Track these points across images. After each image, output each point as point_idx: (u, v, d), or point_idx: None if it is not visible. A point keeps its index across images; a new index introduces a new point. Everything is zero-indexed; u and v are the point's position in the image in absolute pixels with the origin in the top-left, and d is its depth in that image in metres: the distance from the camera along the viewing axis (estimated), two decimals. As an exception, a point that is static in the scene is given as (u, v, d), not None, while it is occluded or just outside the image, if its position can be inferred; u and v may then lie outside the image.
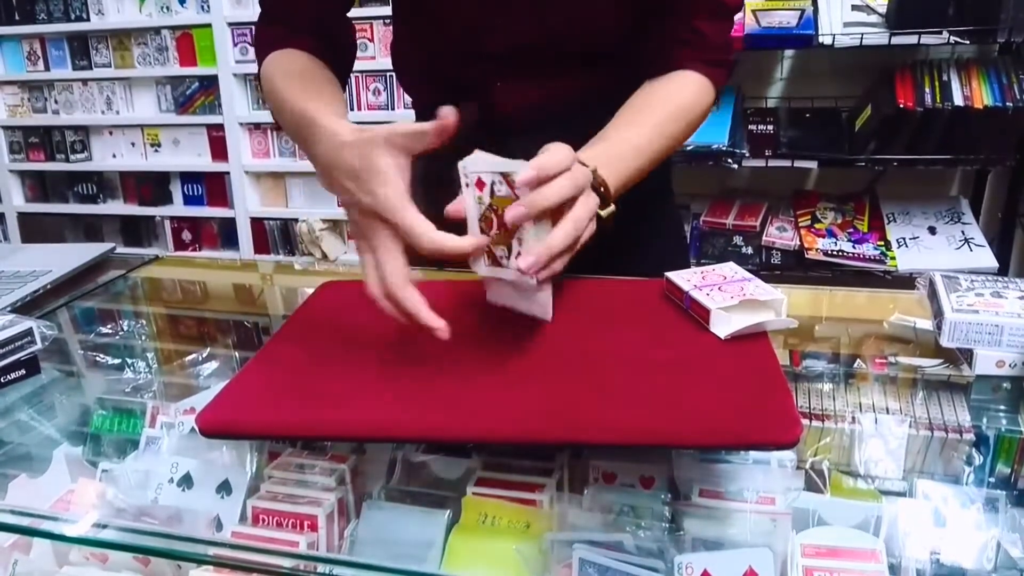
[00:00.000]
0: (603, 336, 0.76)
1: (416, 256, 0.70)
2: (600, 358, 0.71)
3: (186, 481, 0.68)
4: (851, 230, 2.46)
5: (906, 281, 2.14)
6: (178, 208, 3.54)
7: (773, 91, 2.66)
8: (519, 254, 0.68)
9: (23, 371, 0.82)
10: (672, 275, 0.82)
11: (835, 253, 2.38)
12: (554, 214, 0.68)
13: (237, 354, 0.97)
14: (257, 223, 3.39)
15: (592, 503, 0.62)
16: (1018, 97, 2.15)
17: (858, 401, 0.78)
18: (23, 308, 0.97)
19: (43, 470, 0.71)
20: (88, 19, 3.33)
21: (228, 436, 0.67)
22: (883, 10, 2.25)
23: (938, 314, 0.80)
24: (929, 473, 0.69)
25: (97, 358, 0.98)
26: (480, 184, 0.69)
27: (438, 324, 0.67)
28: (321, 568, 0.57)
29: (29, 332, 0.82)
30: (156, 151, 3.50)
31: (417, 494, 0.66)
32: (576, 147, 0.76)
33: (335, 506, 0.64)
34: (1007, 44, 2.29)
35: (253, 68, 0.97)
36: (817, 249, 2.39)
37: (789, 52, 2.58)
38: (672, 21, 0.94)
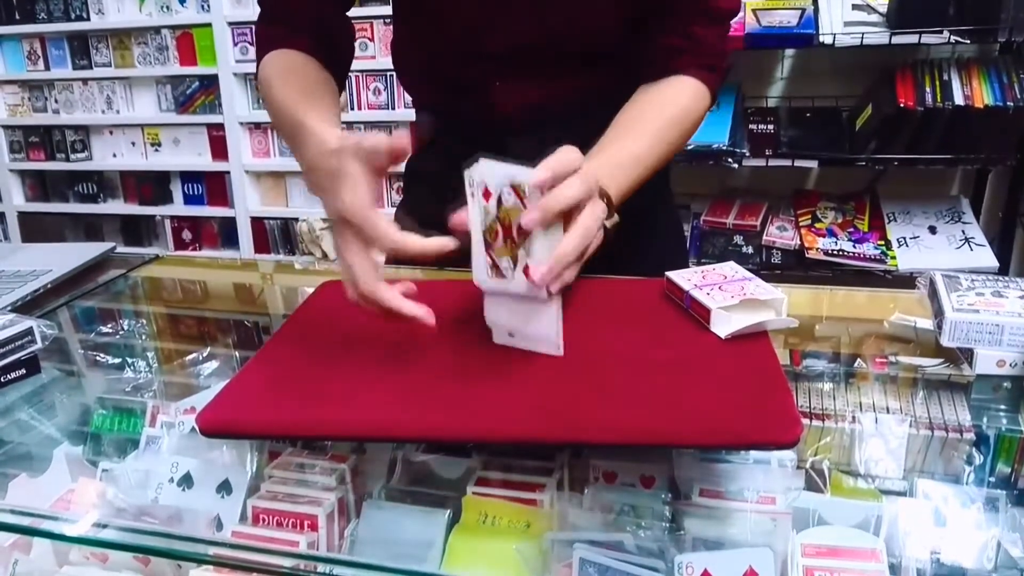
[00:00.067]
0: (603, 336, 0.76)
1: (415, 257, 0.70)
2: (600, 358, 0.71)
3: (186, 481, 0.68)
4: (851, 230, 2.46)
5: (906, 281, 2.14)
6: (178, 207, 3.54)
7: (773, 90, 2.66)
8: (526, 267, 0.66)
9: (23, 370, 0.82)
10: (672, 274, 0.82)
11: (835, 253, 2.38)
12: (564, 222, 0.67)
13: (237, 354, 0.97)
14: (257, 222, 3.39)
15: (592, 503, 0.62)
16: (1018, 96, 2.15)
17: (858, 401, 0.78)
18: (23, 307, 0.97)
19: (43, 470, 0.71)
20: (88, 18, 3.33)
21: (228, 436, 0.67)
22: (884, 9, 2.25)
23: (938, 313, 0.80)
24: (929, 473, 0.69)
25: (97, 357, 0.98)
26: (487, 194, 0.66)
27: (420, 312, 0.68)
28: (321, 568, 0.57)
29: (29, 331, 0.82)
30: (156, 150, 3.50)
31: (417, 494, 0.66)
32: (576, 147, 0.76)
33: (335, 506, 0.64)
34: (1008, 43, 2.29)
35: (253, 67, 0.97)
36: (817, 248, 2.39)
37: (790, 51, 2.58)
38: (670, 23, 0.94)
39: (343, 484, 0.66)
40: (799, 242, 2.43)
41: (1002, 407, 0.77)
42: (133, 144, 3.52)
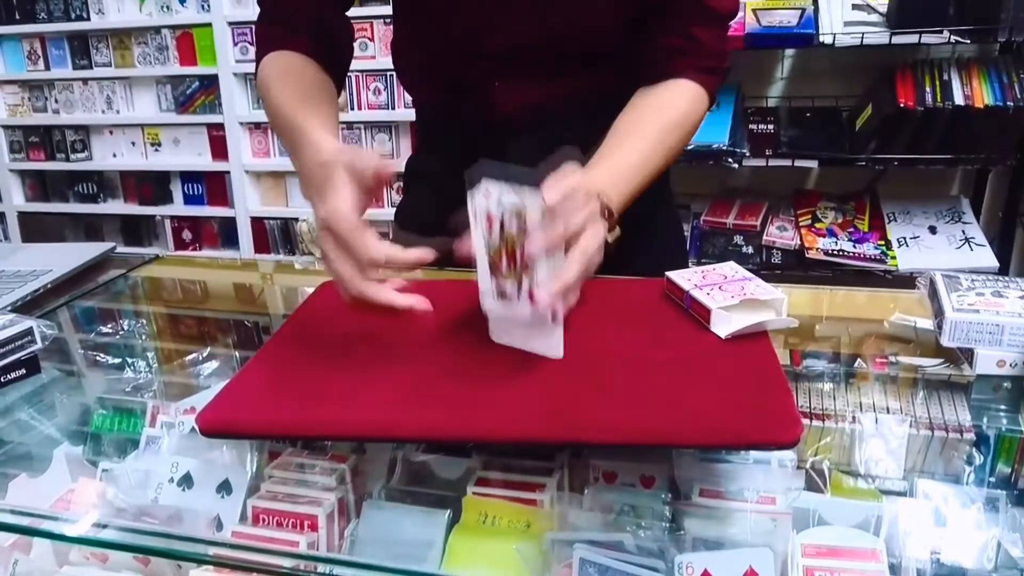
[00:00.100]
0: (603, 336, 0.76)
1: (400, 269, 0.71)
2: (600, 358, 0.71)
3: (186, 481, 0.68)
4: (851, 229, 2.46)
5: (906, 281, 2.14)
6: (178, 207, 3.54)
7: (774, 90, 2.66)
8: (530, 291, 0.67)
9: (23, 370, 0.82)
10: (672, 274, 0.82)
11: (835, 253, 2.38)
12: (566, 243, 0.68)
13: (237, 354, 0.97)
14: (257, 222, 3.39)
15: (592, 503, 0.62)
16: (1018, 96, 2.15)
17: (858, 401, 0.78)
18: (23, 307, 0.97)
19: (43, 470, 0.71)
20: (88, 18, 3.33)
21: (228, 436, 0.67)
22: (884, 9, 2.25)
23: (939, 313, 0.80)
24: (929, 473, 0.69)
25: (97, 357, 0.98)
26: (489, 220, 0.67)
27: (412, 300, 0.68)
28: (321, 568, 0.57)
29: (29, 331, 0.82)
30: (156, 150, 3.50)
31: (417, 494, 0.66)
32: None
33: (335, 506, 0.64)
34: (1008, 43, 2.29)
35: (253, 67, 0.97)
36: (817, 248, 2.39)
37: (790, 51, 2.58)
38: (669, 24, 0.94)
39: (343, 484, 0.66)
40: (799, 242, 2.43)
41: (1002, 407, 0.77)
42: (133, 144, 3.52)
